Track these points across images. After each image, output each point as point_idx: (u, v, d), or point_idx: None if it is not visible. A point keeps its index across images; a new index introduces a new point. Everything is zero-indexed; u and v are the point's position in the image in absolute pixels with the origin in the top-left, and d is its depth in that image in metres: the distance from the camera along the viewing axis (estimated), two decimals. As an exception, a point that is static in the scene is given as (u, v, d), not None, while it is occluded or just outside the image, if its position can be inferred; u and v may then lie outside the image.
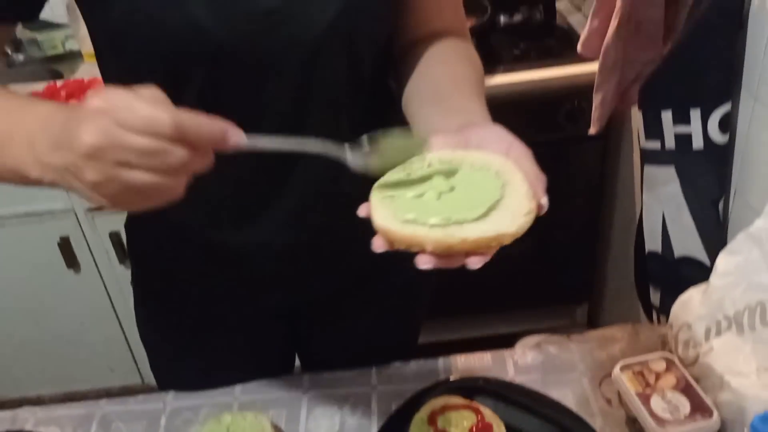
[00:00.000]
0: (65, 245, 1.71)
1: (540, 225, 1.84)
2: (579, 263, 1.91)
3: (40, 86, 1.67)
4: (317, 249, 0.87)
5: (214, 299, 0.93)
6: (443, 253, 0.53)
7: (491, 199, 0.55)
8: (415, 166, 0.60)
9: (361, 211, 0.57)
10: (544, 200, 0.57)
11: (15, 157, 0.57)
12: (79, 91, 1.63)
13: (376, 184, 0.59)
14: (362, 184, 0.63)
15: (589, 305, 2.01)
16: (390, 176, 0.60)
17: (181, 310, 0.95)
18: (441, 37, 0.82)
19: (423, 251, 0.53)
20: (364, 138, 0.60)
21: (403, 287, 1.00)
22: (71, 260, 1.74)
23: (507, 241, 0.53)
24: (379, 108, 0.83)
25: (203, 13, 0.66)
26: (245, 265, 0.88)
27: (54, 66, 1.90)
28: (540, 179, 0.58)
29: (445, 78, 0.76)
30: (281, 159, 0.77)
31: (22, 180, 0.58)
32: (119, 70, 0.76)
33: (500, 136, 0.61)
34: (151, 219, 0.84)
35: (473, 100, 0.71)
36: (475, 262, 0.53)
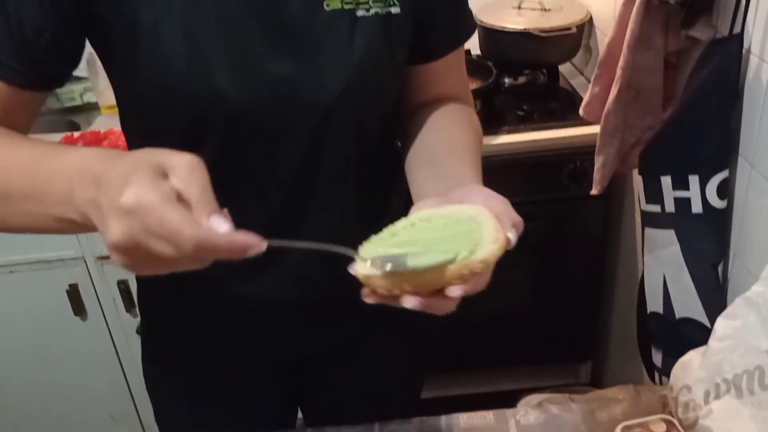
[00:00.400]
0: (74, 292, 1.73)
1: (544, 282, 1.88)
2: (583, 321, 1.91)
3: (57, 137, 1.72)
4: (321, 305, 0.89)
5: (221, 352, 0.95)
6: (421, 288, 0.56)
7: (462, 236, 0.58)
8: (399, 225, 0.63)
9: (352, 269, 0.60)
10: (511, 234, 0.59)
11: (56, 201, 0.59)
12: (95, 142, 1.67)
13: (362, 246, 0.62)
14: (363, 241, 0.66)
15: (593, 363, 2.01)
16: (379, 236, 0.63)
17: (187, 363, 0.96)
18: (444, 102, 0.87)
19: (403, 292, 0.56)
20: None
21: (406, 342, 1.02)
22: (79, 307, 1.75)
23: (477, 268, 0.56)
24: (385, 167, 0.87)
25: (226, 82, 0.70)
26: (251, 319, 0.90)
27: (72, 117, 1.95)
28: (511, 218, 0.61)
29: (441, 143, 0.81)
30: (288, 218, 0.81)
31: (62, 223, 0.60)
32: (139, 129, 0.80)
33: (478, 191, 0.64)
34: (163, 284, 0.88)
35: (464, 165, 0.75)
36: (453, 291, 0.56)
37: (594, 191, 1.44)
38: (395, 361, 1.04)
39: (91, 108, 1.95)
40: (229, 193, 0.76)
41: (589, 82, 1.42)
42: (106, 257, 1.69)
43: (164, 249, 0.50)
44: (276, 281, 0.85)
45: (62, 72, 0.75)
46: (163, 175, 0.52)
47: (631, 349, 1.68)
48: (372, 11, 0.74)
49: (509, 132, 1.62)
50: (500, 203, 0.62)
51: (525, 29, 1.72)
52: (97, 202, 0.53)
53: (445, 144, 0.81)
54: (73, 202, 0.56)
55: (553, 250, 1.78)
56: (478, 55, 1.87)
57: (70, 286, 1.72)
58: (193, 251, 0.50)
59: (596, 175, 1.41)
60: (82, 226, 0.58)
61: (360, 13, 0.74)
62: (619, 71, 1.27)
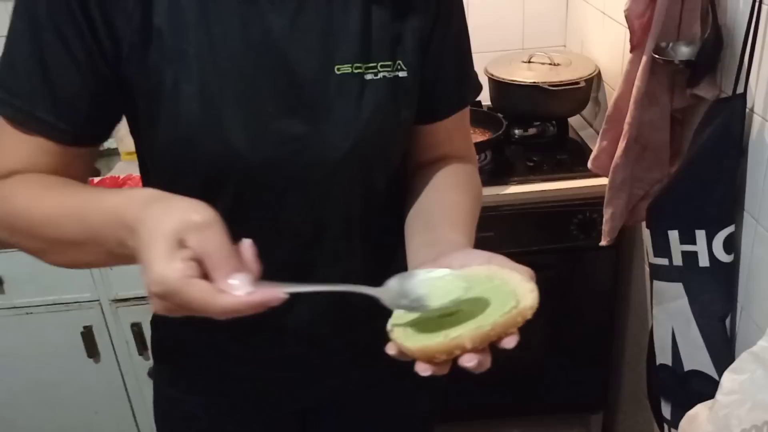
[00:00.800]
0: (88, 334, 1.75)
1: (554, 333, 1.88)
2: (594, 372, 1.91)
3: (77, 181, 1.76)
4: (329, 356, 0.91)
5: (228, 399, 0.96)
6: (481, 345, 0.58)
7: (495, 291, 0.61)
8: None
9: (390, 350, 0.61)
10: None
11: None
12: (114, 187, 1.71)
13: (390, 322, 0.63)
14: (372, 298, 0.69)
15: (604, 415, 2.00)
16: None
17: (198, 407, 0.98)
18: (447, 161, 0.90)
19: (463, 352, 0.58)
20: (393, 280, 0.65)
21: (413, 392, 1.03)
22: (92, 350, 1.78)
23: (529, 315, 0.60)
24: (392, 221, 0.89)
25: (239, 140, 0.74)
26: (260, 368, 0.92)
27: (92, 163, 2.00)
28: (526, 270, 0.64)
29: (437, 207, 0.84)
30: (295, 270, 0.84)
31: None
32: (157, 179, 0.83)
33: (478, 253, 0.67)
34: (176, 320, 0.90)
35: (457, 231, 0.78)
36: (509, 342, 0.59)
37: (603, 242, 1.46)
38: (402, 410, 1.04)
39: (111, 154, 2.01)
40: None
41: (598, 134, 1.45)
42: (121, 300, 1.72)
43: (198, 312, 0.56)
44: (284, 335, 0.88)
45: (106, 128, 0.79)
46: (180, 243, 0.56)
47: (642, 400, 1.67)
48: (380, 75, 0.78)
49: (519, 183, 1.65)
50: (506, 261, 0.65)
51: (534, 82, 1.77)
52: (138, 253, 0.58)
53: (441, 209, 0.83)
54: (125, 248, 0.61)
55: (563, 301, 1.79)
56: (488, 107, 1.91)
57: (84, 328, 1.75)
58: (222, 316, 0.56)
59: (605, 227, 1.43)
60: None
61: (369, 76, 0.77)
62: (626, 126, 1.31)
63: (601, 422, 2.00)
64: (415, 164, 0.91)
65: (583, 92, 1.82)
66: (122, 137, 1.87)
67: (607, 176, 1.40)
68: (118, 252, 0.63)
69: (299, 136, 0.76)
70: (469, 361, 0.58)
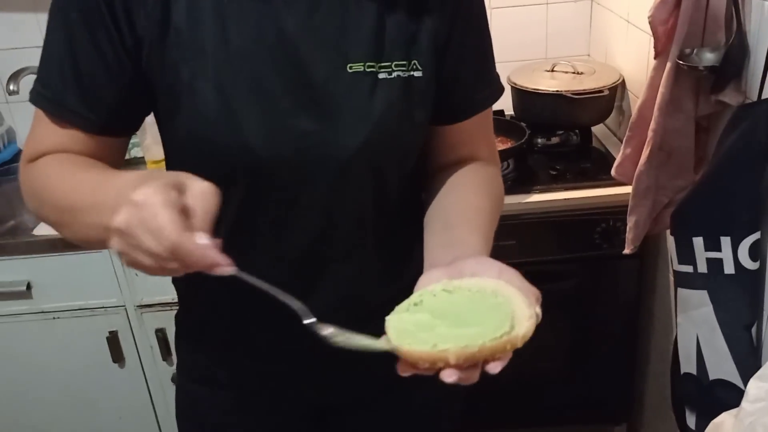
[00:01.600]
0: (113, 340, 1.78)
1: (578, 342, 1.86)
2: (618, 382, 1.89)
3: (105, 188, 1.80)
4: (340, 354, 0.92)
5: (248, 396, 0.97)
6: (465, 363, 0.58)
7: (494, 310, 0.61)
8: (421, 295, 0.66)
9: (402, 371, 0.62)
10: (538, 310, 0.63)
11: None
12: (140, 195, 1.74)
13: (389, 317, 0.64)
14: (385, 294, 0.72)
15: (628, 426, 1.97)
16: (402, 307, 0.65)
17: (218, 401, 0.99)
18: (468, 163, 0.90)
19: (446, 366, 0.59)
20: (330, 328, 0.67)
21: (429, 400, 1.02)
22: (117, 354, 1.80)
23: (519, 344, 0.59)
24: (408, 222, 0.89)
25: (253, 135, 0.76)
26: (275, 364, 0.93)
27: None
28: (533, 292, 0.65)
29: (456, 208, 0.84)
30: (307, 266, 0.85)
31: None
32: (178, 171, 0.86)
33: (490, 264, 0.68)
34: (198, 320, 0.93)
35: (474, 234, 0.79)
36: (494, 367, 0.59)
37: (627, 251, 1.45)
38: (419, 419, 1.04)
39: (138, 162, 2.04)
40: (252, 237, 0.83)
41: (622, 143, 1.44)
42: (146, 305, 1.75)
43: (149, 242, 0.58)
44: (297, 329, 0.88)
45: (134, 119, 0.83)
46: (179, 189, 0.60)
47: (667, 411, 1.65)
48: (394, 74, 0.79)
49: (542, 191, 1.65)
50: (516, 277, 0.66)
51: (558, 91, 1.77)
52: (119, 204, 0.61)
53: (460, 209, 0.84)
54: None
55: (586, 309, 1.78)
56: (511, 116, 1.91)
57: (110, 333, 1.77)
58: (170, 251, 0.58)
59: (629, 235, 1.42)
60: None
61: (382, 75, 0.78)
62: (650, 133, 1.30)
63: (626, 433, 1.98)
64: (437, 165, 0.92)
65: (606, 101, 1.81)
66: (149, 146, 1.90)
67: (630, 184, 1.40)
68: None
69: (311, 132, 0.77)
70: (448, 376, 0.59)
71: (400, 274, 0.70)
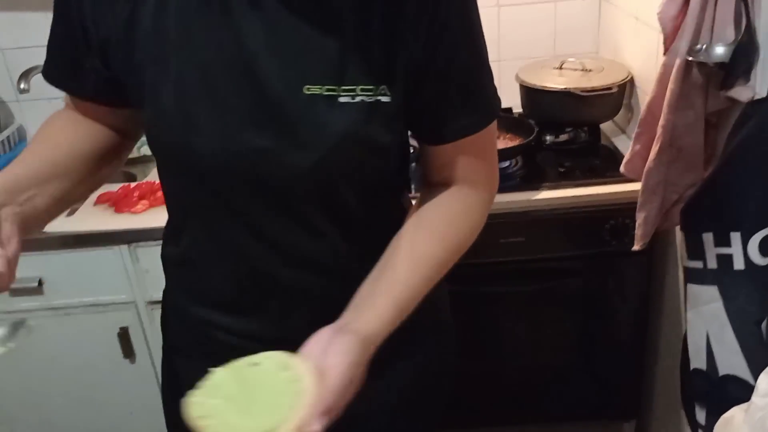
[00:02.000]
0: (124, 335, 1.79)
1: (586, 338, 1.86)
2: (627, 378, 1.88)
3: (115, 186, 1.81)
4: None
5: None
6: None
7: (279, 405, 0.66)
8: (244, 362, 0.71)
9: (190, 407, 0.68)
10: (317, 426, 0.65)
11: None
12: (150, 193, 1.75)
13: (194, 396, 0.69)
14: (347, 289, 0.77)
15: (637, 422, 1.97)
16: (237, 364, 0.71)
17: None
18: (454, 184, 0.88)
19: None
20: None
21: (403, 388, 1.01)
22: (128, 350, 1.81)
23: None
24: (369, 243, 0.87)
25: (207, 145, 0.79)
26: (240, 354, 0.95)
27: (129, 169, 2.05)
28: (329, 400, 0.67)
29: (396, 260, 0.83)
30: (264, 272, 0.88)
31: None
32: (159, 175, 0.92)
33: (334, 361, 0.69)
34: (174, 308, 1.00)
35: (387, 300, 0.79)
36: None
37: (636, 247, 1.45)
38: (394, 405, 1.02)
39: (146, 160, 2.05)
40: (213, 243, 0.89)
41: (631, 140, 1.44)
42: (156, 302, 1.76)
43: None
44: (262, 319, 0.92)
45: (120, 95, 0.85)
46: None
47: (676, 407, 1.65)
48: (357, 98, 0.77)
49: (550, 188, 1.65)
50: (336, 380, 0.68)
51: (566, 89, 1.77)
52: None
53: (399, 261, 0.83)
54: None
55: (595, 306, 1.78)
56: (519, 114, 1.92)
57: (121, 329, 1.78)
58: None
59: (638, 232, 1.42)
60: None
61: (343, 99, 0.76)
62: (659, 129, 1.30)
63: (634, 430, 1.98)
64: (427, 183, 0.92)
65: (615, 98, 1.81)
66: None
67: (639, 180, 1.40)
68: None
69: (263, 149, 0.78)
70: None
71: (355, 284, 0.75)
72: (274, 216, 0.84)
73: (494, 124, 0.88)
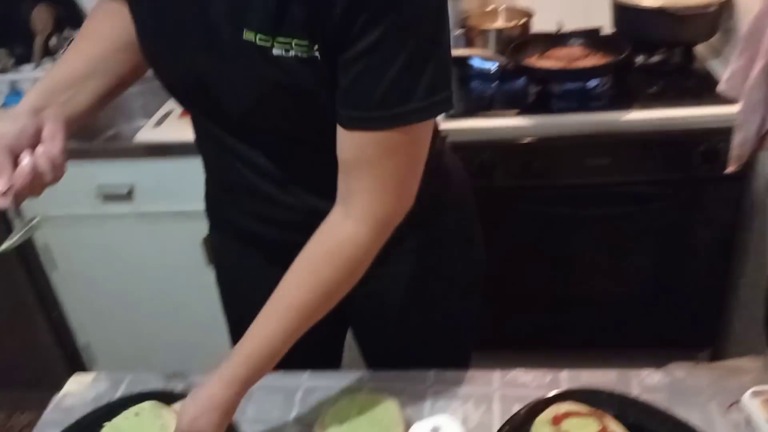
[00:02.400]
0: (208, 242, 1.86)
1: (668, 266, 1.82)
2: (705, 307, 1.85)
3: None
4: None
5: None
6: None
7: None
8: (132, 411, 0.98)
9: None
10: None
11: None
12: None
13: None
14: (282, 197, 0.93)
15: (712, 351, 1.95)
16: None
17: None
18: (342, 200, 0.83)
19: None
20: None
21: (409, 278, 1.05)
22: (211, 257, 1.88)
23: None
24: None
25: (165, 62, 0.87)
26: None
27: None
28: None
29: (272, 308, 0.85)
30: (249, 188, 0.95)
31: None
32: None
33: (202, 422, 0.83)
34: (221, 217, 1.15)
35: (238, 364, 0.84)
36: None
37: (729, 169, 1.40)
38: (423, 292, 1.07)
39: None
40: (203, 142, 1.00)
41: (727, 64, 1.37)
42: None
43: None
44: (296, 193, 0.95)
45: None
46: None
47: (752, 340, 1.62)
48: (291, 53, 0.74)
49: (641, 108, 1.59)
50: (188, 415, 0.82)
51: (662, 6, 1.69)
52: None
53: (273, 310, 0.85)
54: None
55: (678, 234, 1.74)
56: (612, 32, 1.84)
57: (205, 237, 1.85)
58: None
59: (733, 152, 1.36)
60: None
61: (276, 51, 0.75)
62: (765, 44, 1.23)
63: (708, 360, 1.95)
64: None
65: (712, 17, 1.72)
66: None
67: (738, 99, 1.33)
68: None
69: (209, 75, 0.82)
70: None
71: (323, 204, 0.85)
72: (231, 137, 0.91)
73: (410, 142, 0.80)
